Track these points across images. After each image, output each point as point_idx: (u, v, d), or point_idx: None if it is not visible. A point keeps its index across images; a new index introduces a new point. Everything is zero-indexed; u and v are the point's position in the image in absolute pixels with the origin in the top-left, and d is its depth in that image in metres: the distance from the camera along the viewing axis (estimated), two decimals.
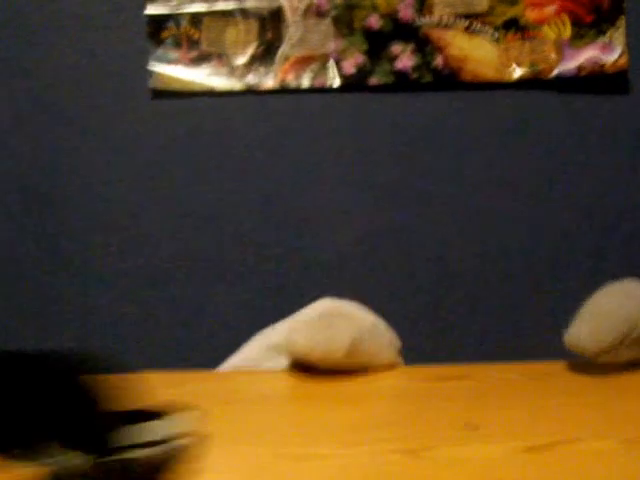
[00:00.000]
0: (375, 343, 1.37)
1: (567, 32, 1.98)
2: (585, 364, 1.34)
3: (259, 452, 1.06)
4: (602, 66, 1.98)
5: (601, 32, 1.98)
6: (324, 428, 1.13)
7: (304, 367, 1.36)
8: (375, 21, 2.00)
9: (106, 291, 2.07)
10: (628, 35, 1.98)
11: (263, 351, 1.43)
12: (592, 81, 1.99)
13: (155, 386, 0.96)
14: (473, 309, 2.04)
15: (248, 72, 2.04)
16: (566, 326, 1.32)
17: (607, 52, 1.98)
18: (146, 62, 2.04)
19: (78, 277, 2.07)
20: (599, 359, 1.29)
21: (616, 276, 1.59)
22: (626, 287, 1.34)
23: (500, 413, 1.17)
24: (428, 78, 2.01)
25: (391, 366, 1.38)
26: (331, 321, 1.33)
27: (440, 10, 1.99)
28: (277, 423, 1.19)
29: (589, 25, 1.98)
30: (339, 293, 2.00)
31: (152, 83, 2.05)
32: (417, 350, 2.02)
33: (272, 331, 1.45)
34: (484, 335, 2.03)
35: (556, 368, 1.36)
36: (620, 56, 1.98)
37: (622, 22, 1.98)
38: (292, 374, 1.39)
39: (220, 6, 2.03)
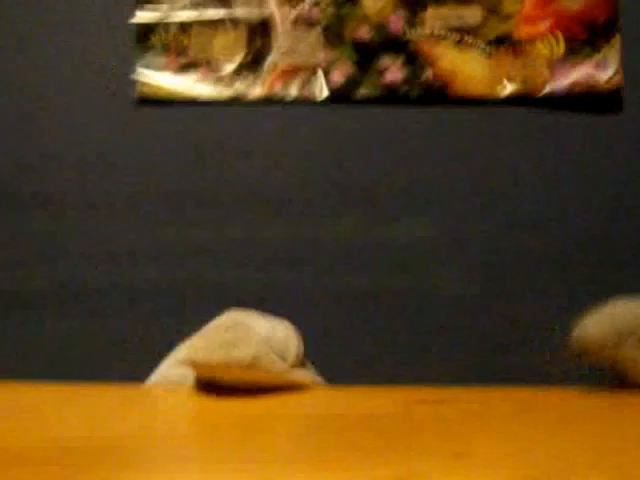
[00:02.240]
0: (277, 358, 1.35)
1: (560, 49, 1.94)
2: (571, 393, 1.31)
3: None
4: (595, 84, 1.94)
5: (595, 50, 1.93)
6: (301, 450, 1.08)
7: (209, 384, 1.32)
8: (365, 32, 1.97)
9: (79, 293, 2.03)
10: (623, 53, 1.93)
11: (173, 366, 1.42)
12: (585, 99, 1.95)
13: None
14: (454, 328, 1.98)
15: (235, 80, 2.01)
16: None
17: (601, 70, 1.93)
18: (132, 69, 2.02)
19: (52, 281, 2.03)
20: (603, 354, 1.32)
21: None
22: (630, 298, 1.43)
23: (485, 442, 1.11)
24: (417, 92, 1.97)
25: (304, 384, 1.35)
26: (233, 337, 1.31)
27: (431, 23, 1.96)
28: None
29: (583, 42, 1.94)
30: (314, 308, 1.96)
31: (138, 90, 2.02)
32: (395, 369, 1.96)
33: (183, 345, 1.44)
34: (465, 357, 1.97)
35: (541, 395, 1.33)
36: (614, 74, 1.93)
37: (617, 40, 1.93)
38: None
39: (210, 14, 2.01)
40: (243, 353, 1.31)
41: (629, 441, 1.11)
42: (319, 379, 1.46)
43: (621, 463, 1.02)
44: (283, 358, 1.39)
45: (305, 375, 1.45)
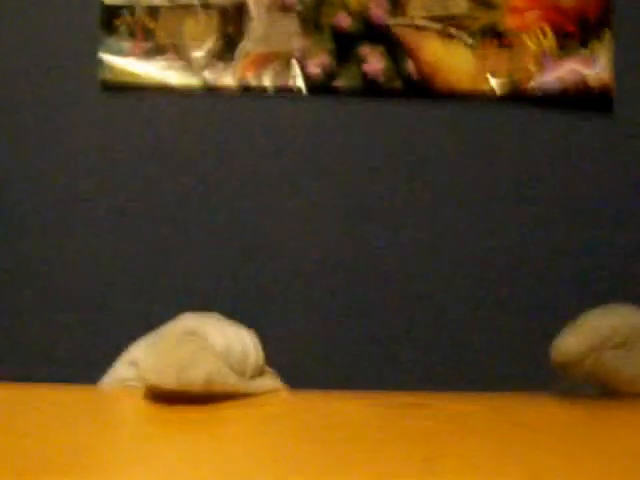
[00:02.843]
0: (232, 373, 1.29)
1: (548, 42, 1.85)
2: (547, 398, 1.31)
3: None
4: (584, 81, 1.85)
5: (585, 45, 1.85)
6: (258, 455, 1.01)
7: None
8: (344, 20, 1.87)
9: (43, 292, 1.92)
10: (614, 49, 1.85)
11: (125, 367, 1.37)
12: (573, 96, 1.86)
13: None
14: (440, 333, 1.90)
15: (205, 67, 1.90)
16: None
17: (590, 66, 1.85)
18: (97, 52, 1.90)
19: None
20: (584, 364, 1.31)
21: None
22: (610, 307, 1.40)
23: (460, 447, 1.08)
24: (398, 84, 1.87)
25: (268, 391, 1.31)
26: (185, 355, 1.25)
27: (413, 11, 1.86)
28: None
29: (572, 36, 1.85)
30: (299, 308, 1.87)
31: (102, 74, 1.91)
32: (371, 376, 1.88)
33: (134, 346, 1.39)
34: (446, 362, 1.89)
35: (518, 402, 1.33)
36: (604, 71, 1.85)
37: (608, 37, 1.85)
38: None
39: None
40: (196, 374, 1.25)
41: (607, 450, 1.09)
42: (281, 386, 1.39)
43: (597, 471, 0.99)
44: (241, 371, 1.33)
45: (265, 384, 1.38)
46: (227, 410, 1.26)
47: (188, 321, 1.38)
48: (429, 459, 1.02)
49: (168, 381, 1.27)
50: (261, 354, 1.39)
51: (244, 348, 1.37)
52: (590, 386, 1.36)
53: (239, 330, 1.40)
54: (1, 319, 1.92)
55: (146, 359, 1.32)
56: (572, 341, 1.33)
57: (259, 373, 1.39)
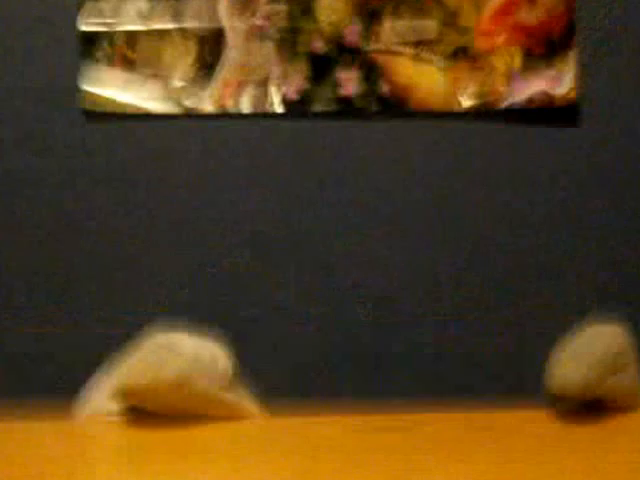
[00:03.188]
0: (203, 376, 1.33)
1: (516, 63, 1.92)
2: (537, 416, 1.29)
3: None
4: (551, 98, 1.93)
5: (550, 65, 1.93)
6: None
7: (138, 409, 1.29)
8: (320, 46, 1.92)
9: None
10: (578, 68, 1.93)
11: (104, 399, 1.39)
12: (541, 113, 1.94)
13: None
14: (413, 345, 1.96)
15: (185, 95, 1.94)
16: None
17: (556, 84, 1.93)
18: (77, 82, 1.93)
19: None
20: (587, 395, 1.32)
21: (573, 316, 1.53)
22: (596, 328, 1.42)
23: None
24: (374, 107, 1.93)
25: (235, 407, 1.33)
26: (157, 359, 1.28)
27: (387, 37, 1.92)
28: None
29: (539, 57, 1.93)
30: (285, 323, 1.92)
31: (83, 104, 1.94)
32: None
33: (111, 375, 1.41)
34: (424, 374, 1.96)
35: (500, 419, 1.31)
36: (569, 90, 1.93)
37: (572, 56, 1.93)
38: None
39: (157, 25, 1.93)
40: (166, 373, 1.28)
41: (596, 465, 1.11)
42: (253, 401, 1.43)
43: None
44: (210, 377, 1.36)
45: (236, 398, 1.42)
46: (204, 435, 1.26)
47: (158, 335, 1.40)
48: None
49: (139, 380, 1.28)
50: (230, 364, 1.42)
51: (213, 357, 1.40)
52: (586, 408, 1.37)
53: (208, 342, 1.43)
54: None
55: (120, 371, 1.33)
56: (572, 374, 1.32)
57: (230, 386, 1.42)
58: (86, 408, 1.45)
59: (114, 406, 1.39)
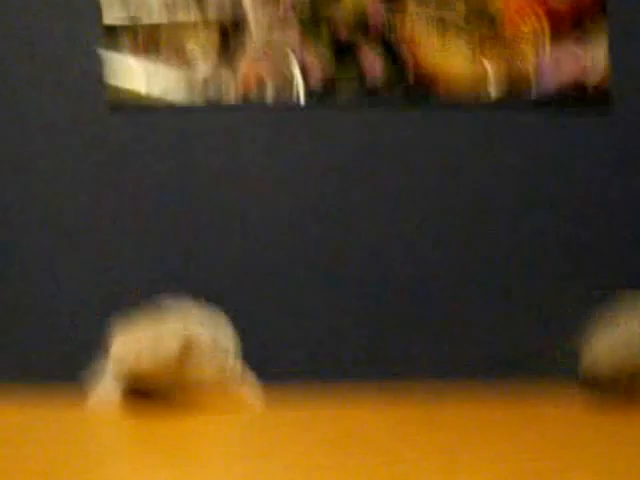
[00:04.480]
0: (207, 348, 1.27)
1: (546, 49, 1.87)
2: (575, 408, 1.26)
3: None
4: (583, 85, 1.88)
5: (582, 50, 1.88)
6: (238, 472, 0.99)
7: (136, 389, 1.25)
8: (344, 33, 1.90)
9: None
10: (610, 52, 1.88)
11: (109, 386, 1.34)
12: (572, 99, 1.89)
13: None
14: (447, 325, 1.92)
15: (209, 85, 1.92)
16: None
17: (588, 70, 1.87)
18: (103, 74, 1.93)
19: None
20: (619, 375, 1.29)
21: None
22: (625, 310, 1.37)
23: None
24: (398, 92, 1.90)
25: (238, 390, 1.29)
26: (157, 332, 1.23)
27: (413, 22, 1.89)
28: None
29: (570, 42, 1.88)
30: (298, 309, 1.89)
31: (108, 96, 1.93)
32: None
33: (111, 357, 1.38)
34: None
35: (539, 409, 1.29)
36: (602, 73, 1.88)
37: (604, 40, 1.88)
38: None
39: (181, 16, 1.92)
40: (169, 345, 1.22)
41: (628, 460, 1.06)
42: (256, 384, 1.37)
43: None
44: (213, 350, 1.30)
45: (241, 375, 1.37)
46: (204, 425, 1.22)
47: (157, 313, 1.36)
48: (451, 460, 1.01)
49: (144, 356, 1.23)
50: (234, 338, 1.36)
51: (217, 326, 1.35)
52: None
53: (210, 314, 1.38)
54: None
55: (121, 349, 1.28)
56: (604, 362, 1.30)
57: (235, 367, 1.36)
58: (90, 395, 1.41)
59: (116, 391, 1.35)
